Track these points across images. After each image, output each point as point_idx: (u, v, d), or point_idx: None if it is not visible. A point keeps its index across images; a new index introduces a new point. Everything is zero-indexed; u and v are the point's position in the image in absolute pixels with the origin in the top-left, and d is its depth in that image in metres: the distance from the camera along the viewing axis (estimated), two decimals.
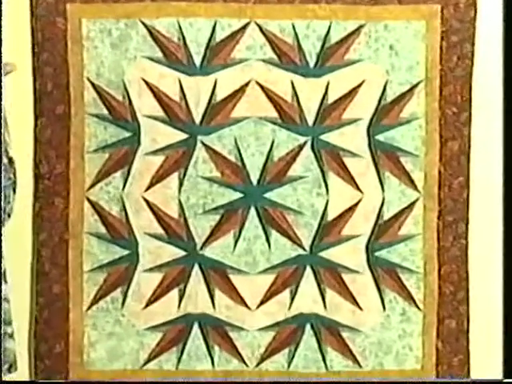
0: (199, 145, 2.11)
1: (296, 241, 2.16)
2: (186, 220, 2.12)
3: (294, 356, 2.15)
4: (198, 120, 2.11)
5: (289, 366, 2.15)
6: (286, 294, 2.17)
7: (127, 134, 2.10)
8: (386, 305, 2.18)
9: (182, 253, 2.15)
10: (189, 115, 2.09)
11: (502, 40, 2.10)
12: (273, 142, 2.12)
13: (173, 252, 2.13)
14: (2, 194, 1.64)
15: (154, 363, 2.14)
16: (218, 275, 2.15)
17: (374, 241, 2.16)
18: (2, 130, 1.61)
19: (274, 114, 2.12)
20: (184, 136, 2.11)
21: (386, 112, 2.14)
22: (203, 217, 2.13)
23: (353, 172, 2.15)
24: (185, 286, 2.14)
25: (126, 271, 2.13)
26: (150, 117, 2.10)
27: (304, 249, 2.16)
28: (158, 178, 2.13)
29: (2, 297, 1.69)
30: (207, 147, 2.12)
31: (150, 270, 2.14)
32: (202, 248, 2.14)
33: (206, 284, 2.14)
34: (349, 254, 2.16)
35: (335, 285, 2.16)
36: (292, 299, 2.16)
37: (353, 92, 2.12)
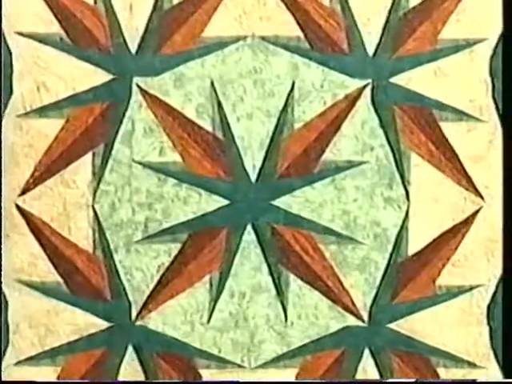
0: (137, 97, 1.49)
1: (342, 298, 1.52)
2: (108, 254, 1.49)
3: None
4: (133, 45, 1.49)
5: None
6: None
7: None
8: None
9: (102, 324, 1.51)
10: (114, 34, 1.48)
11: None
12: (291, 90, 1.48)
13: (80, 322, 1.50)
14: None
15: None
16: (177, 370, 1.52)
17: None
18: None
19: (293, 30, 1.51)
20: (105, 77, 1.50)
21: None
22: (145, 247, 1.49)
23: (462, 155, 1.51)
24: None
25: None
26: (32, 37, 1.51)
27: (358, 316, 1.51)
28: (51, 165, 1.50)
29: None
30: (153, 100, 1.48)
31: (31, 360, 1.51)
32: (141, 314, 1.50)
33: None
34: (453, 328, 1.52)
35: None
36: None
37: None
